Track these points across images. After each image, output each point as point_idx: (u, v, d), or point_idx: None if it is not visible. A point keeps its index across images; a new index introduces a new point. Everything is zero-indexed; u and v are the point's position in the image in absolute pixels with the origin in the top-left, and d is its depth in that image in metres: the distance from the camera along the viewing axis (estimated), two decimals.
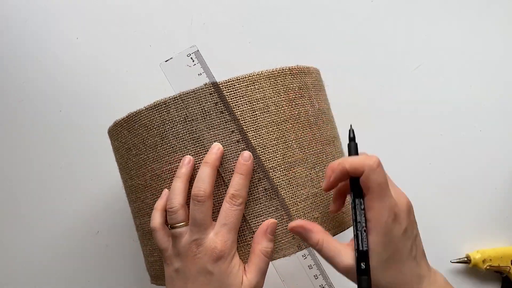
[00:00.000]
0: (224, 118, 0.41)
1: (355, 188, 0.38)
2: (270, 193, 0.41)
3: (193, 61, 0.42)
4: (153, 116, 0.42)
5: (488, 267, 0.61)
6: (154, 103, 0.42)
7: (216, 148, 0.40)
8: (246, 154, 0.40)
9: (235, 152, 0.41)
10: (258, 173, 0.41)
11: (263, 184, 0.41)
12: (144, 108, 0.43)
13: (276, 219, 0.40)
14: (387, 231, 0.36)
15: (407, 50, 0.66)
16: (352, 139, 0.40)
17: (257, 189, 0.41)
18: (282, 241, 0.41)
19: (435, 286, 0.38)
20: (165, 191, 0.42)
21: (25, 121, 0.64)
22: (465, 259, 0.62)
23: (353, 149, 0.40)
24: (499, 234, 0.64)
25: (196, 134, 0.41)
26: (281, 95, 0.42)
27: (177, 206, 0.40)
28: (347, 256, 0.37)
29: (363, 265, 0.36)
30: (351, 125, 0.40)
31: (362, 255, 0.36)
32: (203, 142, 0.41)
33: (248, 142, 0.40)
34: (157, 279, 0.46)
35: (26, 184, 0.63)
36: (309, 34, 0.66)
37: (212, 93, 0.41)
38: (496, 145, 0.65)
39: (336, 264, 0.37)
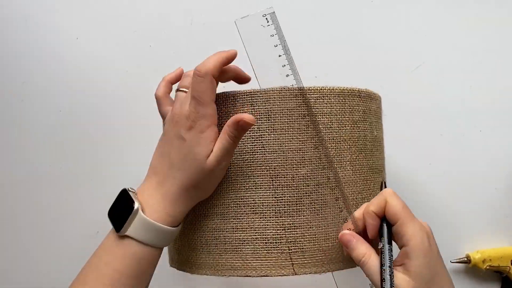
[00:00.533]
0: (307, 130, 0.41)
1: (387, 231, 0.38)
2: (341, 204, 0.41)
3: (268, 22, 0.41)
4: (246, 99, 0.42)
5: (488, 267, 0.61)
6: (244, 90, 0.42)
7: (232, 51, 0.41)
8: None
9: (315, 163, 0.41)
10: (332, 183, 0.41)
11: (336, 194, 0.41)
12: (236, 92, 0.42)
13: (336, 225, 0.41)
14: (427, 252, 0.36)
15: (407, 51, 0.66)
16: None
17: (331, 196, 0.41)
18: (316, 258, 0.41)
19: None
20: (179, 68, 0.47)
21: (25, 121, 0.64)
22: (465, 259, 0.63)
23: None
24: (499, 234, 0.64)
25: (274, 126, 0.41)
26: (346, 115, 0.42)
27: (189, 74, 0.43)
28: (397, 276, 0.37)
29: None
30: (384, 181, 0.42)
31: None
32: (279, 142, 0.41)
33: (327, 153, 0.41)
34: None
35: (26, 184, 0.63)
36: (309, 33, 0.66)
37: (296, 96, 0.41)
38: (496, 145, 0.65)
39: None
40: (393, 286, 0.36)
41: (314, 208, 0.41)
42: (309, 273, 0.41)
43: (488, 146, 0.65)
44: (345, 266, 0.42)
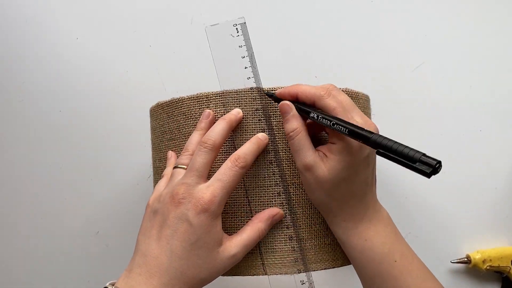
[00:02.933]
0: (260, 126, 0.40)
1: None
2: (285, 210, 0.41)
3: (237, 32, 0.41)
4: (193, 107, 0.42)
5: (488, 267, 0.61)
6: (197, 94, 0.42)
7: (237, 111, 0.40)
8: (263, 134, 0.40)
9: (263, 163, 0.40)
10: (279, 187, 0.40)
11: (281, 199, 0.41)
12: (187, 97, 0.43)
13: (284, 236, 0.40)
14: (351, 151, 0.36)
15: (407, 50, 0.66)
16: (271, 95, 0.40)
17: (274, 201, 0.40)
18: (287, 259, 0.40)
19: (382, 224, 0.39)
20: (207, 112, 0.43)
21: (25, 121, 0.64)
22: (465, 259, 0.62)
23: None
24: (499, 234, 0.64)
25: (230, 133, 0.41)
26: None
27: (190, 152, 0.40)
28: (312, 156, 0.37)
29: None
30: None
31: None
32: (234, 142, 0.41)
33: (277, 156, 0.40)
34: None
35: (26, 184, 0.63)
36: (309, 33, 0.66)
37: (255, 99, 0.41)
38: (496, 145, 0.65)
39: (300, 158, 0.37)
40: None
41: (286, 208, 0.41)
42: (280, 274, 0.40)
43: (488, 146, 0.65)
44: (318, 267, 0.42)
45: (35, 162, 0.64)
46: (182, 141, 0.43)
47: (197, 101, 0.42)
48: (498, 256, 0.61)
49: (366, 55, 0.66)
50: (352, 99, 0.42)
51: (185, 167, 0.39)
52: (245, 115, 0.41)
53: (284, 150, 0.41)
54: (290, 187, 0.41)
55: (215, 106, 0.41)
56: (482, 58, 0.66)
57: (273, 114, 0.41)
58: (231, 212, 0.41)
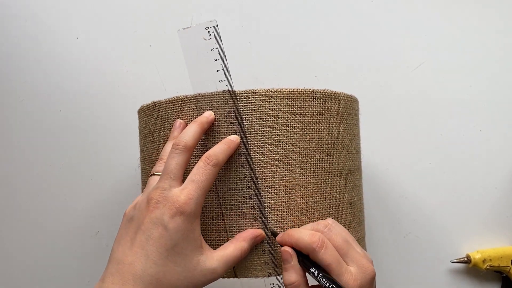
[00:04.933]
0: (232, 129, 0.40)
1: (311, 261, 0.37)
2: (256, 213, 0.40)
3: (210, 35, 0.40)
4: (170, 110, 0.43)
5: (488, 267, 0.61)
6: (172, 98, 0.43)
7: (208, 113, 0.40)
8: (234, 136, 0.39)
9: (234, 165, 0.40)
10: (251, 190, 0.40)
11: (252, 202, 0.40)
12: (164, 101, 0.43)
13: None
14: None
15: (407, 50, 0.66)
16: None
17: (246, 204, 0.40)
18: (258, 262, 0.40)
19: None
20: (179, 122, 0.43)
21: (25, 121, 0.64)
22: (465, 259, 0.62)
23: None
24: (499, 234, 0.64)
25: (203, 136, 0.41)
26: (295, 117, 0.41)
27: (164, 159, 0.40)
28: None
29: None
30: None
31: None
32: (206, 146, 0.41)
33: (249, 159, 0.40)
34: None
35: (26, 184, 0.63)
36: (309, 33, 0.66)
37: (227, 102, 0.40)
38: (496, 145, 0.65)
39: None
40: None
41: (257, 211, 0.40)
42: (250, 277, 0.40)
43: (488, 146, 0.65)
44: None
45: (35, 162, 0.64)
46: (160, 144, 0.44)
47: (173, 105, 0.43)
48: (498, 256, 0.61)
49: (366, 55, 0.66)
50: (329, 100, 0.42)
51: (160, 173, 0.39)
52: (217, 118, 0.41)
53: (256, 153, 0.40)
54: (262, 190, 0.40)
55: (189, 109, 0.42)
56: (482, 58, 0.66)
57: (245, 117, 0.41)
58: (202, 215, 0.40)
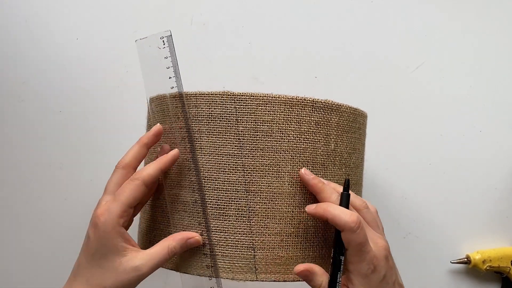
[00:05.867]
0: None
1: (337, 245, 0.39)
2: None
3: (164, 44, 0.43)
4: (154, 105, 0.46)
5: (488, 268, 0.61)
6: (156, 95, 0.45)
7: (155, 130, 0.43)
8: (175, 151, 0.41)
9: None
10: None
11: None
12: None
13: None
14: (367, 281, 0.38)
15: (407, 50, 0.66)
16: (345, 189, 0.40)
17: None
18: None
19: None
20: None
21: (25, 121, 0.64)
22: (465, 259, 0.62)
23: (344, 200, 0.40)
24: (499, 234, 0.64)
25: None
26: (291, 125, 0.41)
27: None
28: None
29: None
30: (347, 179, 0.40)
31: None
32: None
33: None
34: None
35: (26, 184, 0.63)
36: (309, 34, 0.66)
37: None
38: (496, 145, 0.65)
39: None
40: None
41: (241, 214, 0.40)
42: (228, 278, 0.40)
43: (488, 146, 0.65)
44: (267, 278, 0.41)
45: (35, 162, 0.64)
46: (160, 144, 0.46)
47: (154, 101, 0.46)
48: (498, 256, 0.61)
49: (366, 55, 0.66)
50: (330, 111, 0.43)
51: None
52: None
53: (247, 156, 0.41)
54: (248, 194, 0.40)
55: (152, 111, 0.45)
56: (482, 58, 0.66)
57: (240, 120, 0.41)
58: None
